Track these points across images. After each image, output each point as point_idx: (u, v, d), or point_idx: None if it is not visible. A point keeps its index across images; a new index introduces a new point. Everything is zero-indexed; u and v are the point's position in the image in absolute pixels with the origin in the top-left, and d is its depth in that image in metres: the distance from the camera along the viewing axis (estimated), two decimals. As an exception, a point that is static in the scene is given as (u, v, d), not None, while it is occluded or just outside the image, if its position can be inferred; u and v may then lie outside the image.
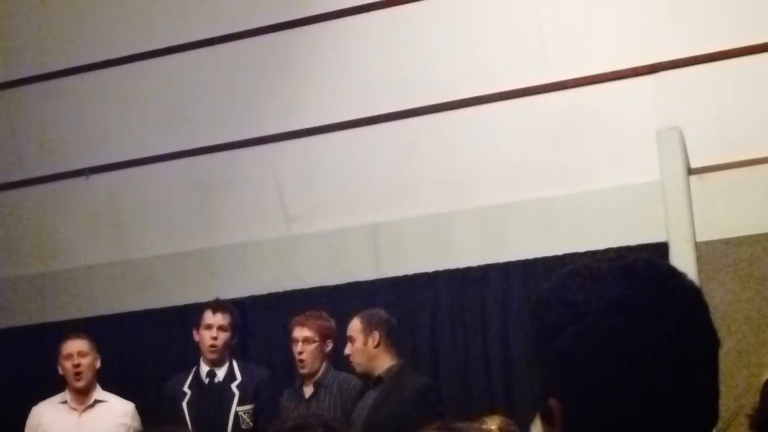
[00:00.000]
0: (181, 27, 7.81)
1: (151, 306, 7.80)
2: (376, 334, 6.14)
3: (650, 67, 6.69)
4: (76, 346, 6.78)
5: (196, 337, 6.74)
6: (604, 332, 1.41)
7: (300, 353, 6.39)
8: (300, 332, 6.44)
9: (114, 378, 7.14)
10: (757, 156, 6.34)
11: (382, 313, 6.35)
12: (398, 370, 6.14)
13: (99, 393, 6.85)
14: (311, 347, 6.40)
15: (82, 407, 6.77)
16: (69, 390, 6.81)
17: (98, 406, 6.80)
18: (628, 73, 6.73)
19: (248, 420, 6.53)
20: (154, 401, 6.93)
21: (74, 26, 8.11)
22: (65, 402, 6.80)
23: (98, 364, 6.86)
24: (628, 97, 6.73)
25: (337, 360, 6.51)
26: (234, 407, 6.53)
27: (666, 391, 1.40)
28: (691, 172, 6.42)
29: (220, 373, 6.67)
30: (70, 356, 6.74)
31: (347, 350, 6.21)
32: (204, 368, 6.70)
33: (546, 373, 1.48)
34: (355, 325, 6.22)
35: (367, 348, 6.13)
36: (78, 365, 6.72)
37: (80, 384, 6.74)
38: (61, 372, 6.81)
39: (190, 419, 6.54)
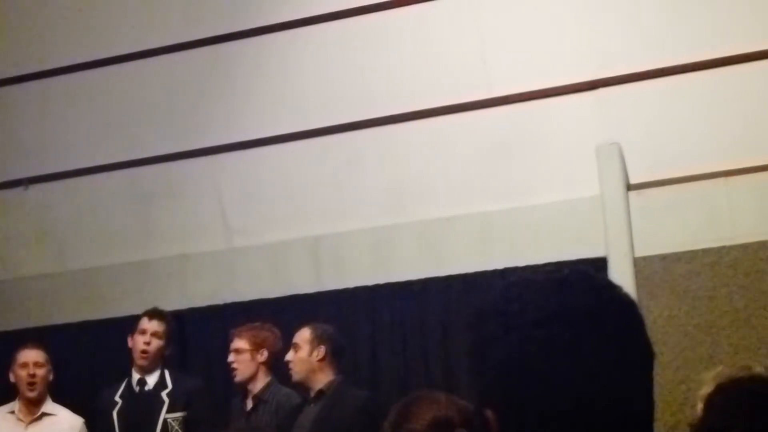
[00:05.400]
0: (121, 38, 7.76)
1: (88, 317, 7.72)
2: (323, 348, 6.12)
3: (590, 83, 6.74)
4: (32, 356, 6.69)
5: (130, 344, 6.66)
6: (539, 343, 1.41)
7: (231, 362, 6.43)
8: (234, 343, 6.47)
9: (50, 389, 7.04)
10: (695, 172, 6.41)
11: (332, 329, 6.33)
12: (339, 384, 6.13)
13: (48, 406, 6.75)
14: (241, 357, 6.41)
15: (30, 418, 6.67)
16: (19, 399, 6.72)
17: (45, 419, 6.70)
18: (567, 89, 6.78)
19: (177, 428, 6.44)
20: (88, 413, 6.85)
21: (12, 35, 8.03)
22: (13, 412, 6.71)
23: (51, 376, 6.78)
24: (567, 113, 6.78)
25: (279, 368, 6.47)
26: (163, 414, 6.46)
27: (600, 402, 1.41)
28: (630, 187, 6.47)
29: (151, 381, 6.59)
30: (25, 365, 6.66)
31: (288, 356, 6.17)
32: (135, 376, 6.62)
33: (482, 383, 1.48)
34: (303, 334, 6.19)
35: (311, 359, 6.11)
36: (33, 375, 6.65)
37: (33, 394, 6.65)
38: (13, 380, 6.71)
39: (119, 428, 6.47)
